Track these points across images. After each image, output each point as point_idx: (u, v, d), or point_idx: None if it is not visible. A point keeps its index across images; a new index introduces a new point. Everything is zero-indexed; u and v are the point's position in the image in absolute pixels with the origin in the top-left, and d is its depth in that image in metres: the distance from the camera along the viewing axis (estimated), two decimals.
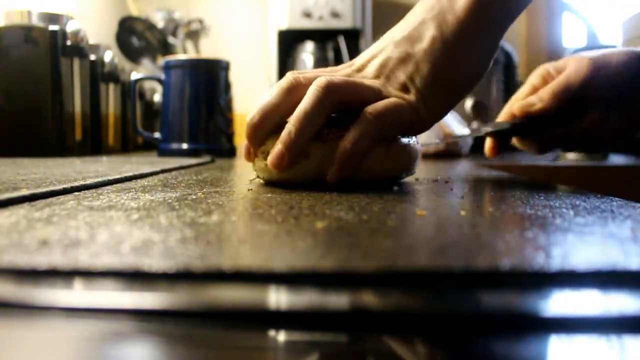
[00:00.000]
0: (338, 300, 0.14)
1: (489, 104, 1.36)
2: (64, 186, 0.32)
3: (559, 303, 0.14)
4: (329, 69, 0.38)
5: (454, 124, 0.95)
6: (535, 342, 0.13)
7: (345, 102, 0.33)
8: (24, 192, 0.29)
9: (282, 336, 0.13)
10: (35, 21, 0.81)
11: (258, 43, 1.74)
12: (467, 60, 0.35)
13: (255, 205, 0.28)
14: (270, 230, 0.20)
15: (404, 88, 0.35)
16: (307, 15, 1.41)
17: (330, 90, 0.32)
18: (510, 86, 1.43)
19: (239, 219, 0.23)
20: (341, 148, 0.33)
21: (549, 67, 0.49)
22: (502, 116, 0.49)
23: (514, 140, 0.50)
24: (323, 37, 1.42)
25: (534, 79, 0.49)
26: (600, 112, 0.45)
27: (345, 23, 1.41)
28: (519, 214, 0.25)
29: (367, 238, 0.19)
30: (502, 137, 0.48)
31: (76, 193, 0.31)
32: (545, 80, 0.49)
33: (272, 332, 0.13)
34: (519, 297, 0.14)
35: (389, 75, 0.35)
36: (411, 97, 0.34)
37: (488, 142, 0.49)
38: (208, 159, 0.71)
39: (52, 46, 0.78)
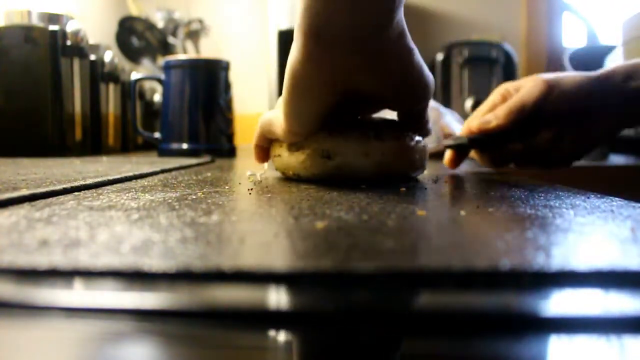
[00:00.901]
0: (338, 300, 0.14)
1: None
2: (64, 186, 0.32)
3: (559, 303, 0.14)
4: None
5: (453, 123, 0.95)
6: (535, 342, 0.13)
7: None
8: (24, 192, 0.29)
9: (282, 336, 0.13)
10: (35, 21, 0.81)
11: (258, 43, 1.74)
12: (293, 79, 0.33)
13: (255, 205, 0.28)
14: (270, 230, 0.20)
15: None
16: None
17: (259, 126, 0.42)
18: None
19: (239, 219, 0.23)
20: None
21: (509, 86, 0.52)
22: (463, 130, 0.52)
23: (472, 154, 0.54)
24: None
25: (494, 96, 0.52)
26: (554, 131, 0.49)
27: None
28: (519, 214, 0.25)
29: (367, 238, 0.19)
30: (460, 150, 0.52)
31: (76, 193, 0.31)
32: (505, 98, 0.52)
33: (272, 332, 0.13)
34: (519, 297, 0.14)
35: None
36: (279, 112, 0.37)
37: (448, 154, 0.54)
38: (208, 159, 0.71)
39: (52, 46, 0.78)
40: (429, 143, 0.90)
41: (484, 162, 0.54)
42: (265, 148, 0.44)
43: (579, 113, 0.48)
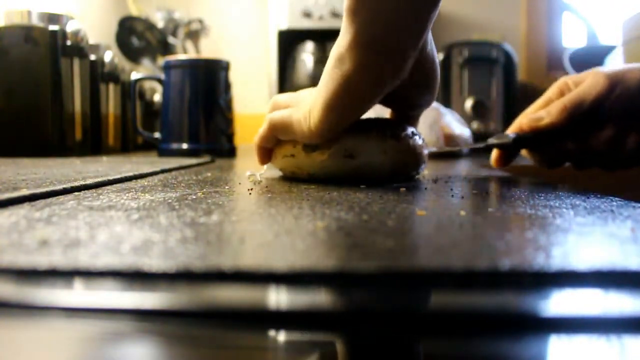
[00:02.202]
0: (338, 300, 0.14)
1: (489, 103, 1.36)
2: (64, 186, 0.32)
3: (559, 303, 0.14)
4: (297, 93, 0.43)
5: (454, 124, 0.95)
6: (535, 342, 0.13)
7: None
8: (24, 192, 0.29)
9: (282, 336, 0.13)
10: (35, 21, 0.81)
11: (258, 43, 1.74)
12: (346, 82, 0.34)
13: (255, 205, 0.28)
14: (270, 230, 0.20)
15: (304, 105, 0.38)
16: (307, 15, 1.41)
17: (269, 126, 0.41)
18: (510, 86, 1.43)
19: (239, 219, 0.23)
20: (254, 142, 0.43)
21: (568, 79, 0.47)
22: (512, 127, 0.48)
23: (524, 153, 0.49)
24: (323, 37, 1.42)
25: (551, 91, 0.48)
26: (616, 131, 0.43)
27: None
28: (519, 214, 0.25)
29: (367, 238, 0.19)
30: (508, 149, 0.47)
31: (76, 193, 0.31)
32: (562, 93, 0.47)
33: (272, 332, 0.13)
34: (519, 297, 0.14)
35: (308, 95, 0.40)
36: (302, 111, 0.38)
37: (494, 153, 0.49)
38: (208, 159, 0.71)
39: (52, 46, 0.78)
40: (429, 143, 0.91)
41: (538, 162, 0.49)
42: (269, 149, 0.43)
43: None
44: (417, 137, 0.41)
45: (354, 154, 0.39)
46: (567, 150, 0.46)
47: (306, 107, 0.37)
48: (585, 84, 0.44)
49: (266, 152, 0.43)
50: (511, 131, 0.47)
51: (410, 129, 0.41)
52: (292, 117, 0.38)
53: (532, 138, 0.45)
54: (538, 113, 0.45)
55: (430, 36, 0.36)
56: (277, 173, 0.46)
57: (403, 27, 0.32)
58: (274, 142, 0.42)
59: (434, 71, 0.37)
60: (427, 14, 0.32)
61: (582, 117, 0.43)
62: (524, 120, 0.46)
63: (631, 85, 0.43)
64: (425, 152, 0.42)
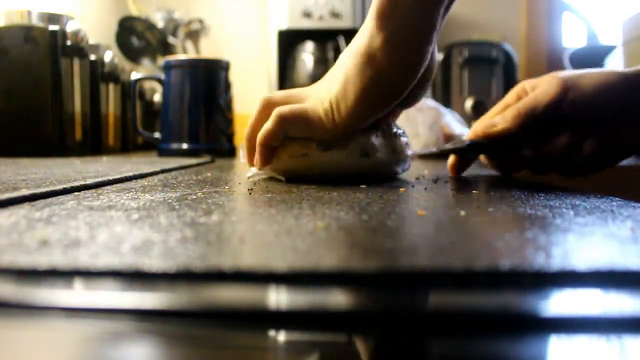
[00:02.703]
0: (338, 300, 0.14)
1: (489, 103, 1.36)
2: (64, 186, 0.32)
3: (559, 303, 0.14)
4: (295, 90, 0.43)
5: (454, 124, 0.95)
6: (535, 342, 0.13)
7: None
8: (24, 192, 0.29)
9: (282, 336, 0.13)
10: (35, 21, 0.81)
11: (258, 43, 1.74)
12: (374, 74, 0.36)
13: (255, 205, 0.28)
14: (270, 230, 0.20)
15: (322, 99, 0.39)
16: (307, 15, 1.41)
17: (280, 120, 0.39)
18: (510, 86, 1.43)
19: (239, 219, 0.23)
20: (256, 140, 0.40)
21: (526, 84, 0.47)
22: (469, 134, 0.48)
23: (482, 158, 0.49)
24: (323, 37, 1.42)
25: (509, 96, 0.47)
26: (571, 136, 0.43)
27: (345, 23, 1.41)
28: (519, 214, 0.25)
29: (367, 238, 0.19)
30: (464, 155, 0.48)
31: (76, 193, 0.31)
32: (519, 98, 0.46)
33: (272, 332, 0.13)
34: (519, 297, 0.14)
35: (321, 89, 0.40)
36: (322, 106, 0.38)
37: (450, 159, 0.49)
38: (208, 159, 0.71)
39: (52, 46, 0.78)
40: (429, 143, 0.90)
41: (495, 168, 0.49)
42: (273, 148, 0.41)
43: (602, 117, 0.42)
44: (402, 135, 0.43)
45: (369, 153, 0.39)
46: (523, 156, 0.46)
47: (325, 102, 0.38)
48: (539, 89, 0.43)
49: (270, 152, 0.41)
50: (468, 137, 0.47)
51: (395, 127, 0.42)
52: (307, 111, 0.38)
53: (488, 144, 0.45)
54: (493, 119, 0.45)
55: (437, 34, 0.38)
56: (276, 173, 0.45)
57: (428, 26, 0.35)
58: (281, 139, 0.40)
59: (435, 65, 0.39)
60: (443, 13, 0.36)
61: (536, 122, 0.43)
62: (479, 126, 0.46)
63: (585, 90, 0.41)
64: (409, 151, 0.44)
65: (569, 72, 0.44)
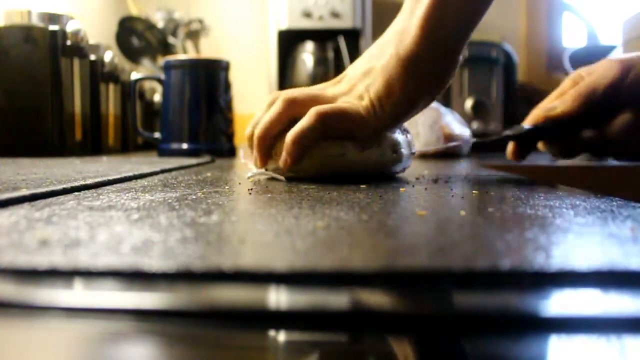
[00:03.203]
0: (338, 300, 0.14)
1: (489, 103, 1.36)
2: (64, 186, 0.32)
3: (559, 303, 0.14)
4: (318, 86, 0.43)
5: (454, 124, 0.95)
6: (535, 342, 0.13)
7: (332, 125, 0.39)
8: (24, 192, 0.29)
9: (282, 336, 0.13)
10: (35, 21, 0.81)
11: (258, 43, 1.74)
12: (420, 76, 0.38)
13: (255, 205, 0.28)
14: (270, 230, 0.20)
15: (360, 97, 0.39)
16: (307, 15, 1.41)
17: (321, 119, 0.38)
18: (510, 86, 1.43)
19: (239, 219, 0.23)
20: (287, 139, 0.39)
21: (582, 71, 0.47)
22: (528, 120, 0.47)
23: (540, 145, 0.48)
24: (323, 37, 1.42)
25: (565, 83, 0.47)
26: (632, 117, 0.42)
27: (345, 23, 1.41)
28: (519, 214, 0.25)
29: (367, 238, 0.19)
30: (524, 141, 0.47)
31: (76, 193, 0.31)
32: (576, 84, 0.46)
33: (272, 332, 0.13)
34: (519, 297, 0.14)
35: (352, 88, 0.41)
36: (362, 103, 0.39)
37: (510, 146, 0.48)
38: (208, 159, 0.71)
39: (52, 46, 0.78)
40: (429, 143, 0.91)
41: (554, 153, 0.48)
42: (306, 147, 0.39)
43: None
44: (408, 131, 0.45)
45: (397, 150, 0.41)
46: (583, 140, 0.45)
47: (365, 100, 0.39)
48: (598, 72, 0.44)
49: (302, 151, 0.39)
50: (526, 123, 0.46)
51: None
52: (347, 109, 0.39)
53: (548, 128, 0.45)
54: (552, 103, 0.45)
55: None
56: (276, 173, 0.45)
57: (463, 39, 0.39)
58: (318, 138, 0.39)
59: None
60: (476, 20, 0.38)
61: (596, 104, 0.43)
62: (538, 111, 0.45)
63: None
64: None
65: (627, 55, 0.44)
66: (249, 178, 0.43)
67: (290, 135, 0.39)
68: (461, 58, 0.40)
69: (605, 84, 0.42)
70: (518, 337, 0.13)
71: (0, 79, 0.78)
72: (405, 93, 0.38)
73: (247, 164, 0.45)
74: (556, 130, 0.45)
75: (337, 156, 0.39)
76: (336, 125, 0.39)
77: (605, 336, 0.13)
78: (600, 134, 0.44)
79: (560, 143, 0.47)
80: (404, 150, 0.42)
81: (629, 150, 0.45)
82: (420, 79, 0.38)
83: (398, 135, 0.42)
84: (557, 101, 0.45)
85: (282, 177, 0.41)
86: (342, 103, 0.39)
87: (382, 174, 0.43)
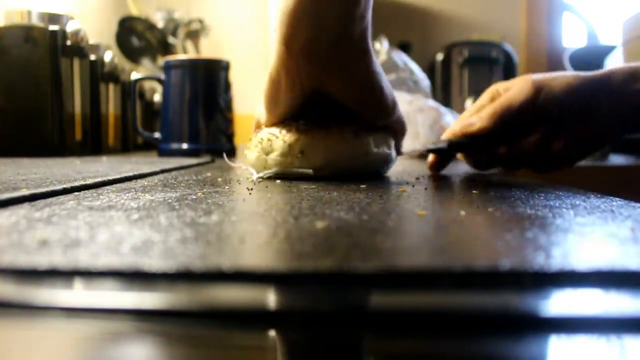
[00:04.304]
0: (338, 300, 0.14)
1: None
2: (64, 186, 0.32)
3: (559, 303, 0.14)
4: None
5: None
6: (535, 342, 0.13)
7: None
8: (24, 192, 0.29)
9: (282, 336, 0.13)
10: (35, 21, 0.81)
11: (258, 43, 1.74)
12: (269, 72, 0.40)
13: (255, 205, 0.28)
14: (270, 230, 0.20)
15: None
16: None
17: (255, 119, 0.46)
18: None
19: (239, 219, 0.23)
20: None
21: (499, 87, 0.50)
22: (446, 133, 0.51)
23: (459, 156, 0.52)
24: None
25: (483, 98, 0.50)
26: (543, 134, 0.46)
27: None
28: (519, 214, 0.25)
29: (367, 238, 0.19)
30: (444, 154, 0.50)
31: (76, 193, 0.31)
32: (494, 99, 0.49)
33: (272, 332, 0.13)
34: (519, 297, 0.14)
35: None
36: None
37: (430, 158, 0.52)
38: (208, 159, 0.71)
39: (52, 46, 0.78)
40: (429, 144, 0.90)
41: (470, 165, 0.52)
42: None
43: (570, 116, 0.46)
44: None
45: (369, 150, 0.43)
46: (498, 153, 0.49)
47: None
48: (512, 90, 0.47)
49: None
50: (446, 137, 0.50)
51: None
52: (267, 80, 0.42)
53: (466, 143, 0.48)
54: (470, 119, 0.48)
55: (373, 56, 0.38)
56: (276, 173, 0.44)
57: (308, 31, 0.35)
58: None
59: (368, 92, 0.39)
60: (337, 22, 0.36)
61: (510, 121, 0.46)
62: (457, 126, 0.49)
63: (555, 91, 0.45)
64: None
65: (539, 75, 0.47)
66: (250, 178, 0.43)
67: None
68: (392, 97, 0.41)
69: (519, 103, 0.45)
70: (518, 337, 0.13)
71: (0, 79, 0.78)
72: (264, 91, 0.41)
73: (241, 167, 0.48)
74: (473, 145, 0.48)
75: (363, 154, 0.41)
76: (262, 117, 0.43)
77: (605, 336, 0.13)
78: (514, 148, 0.48)
79: (477, 156, 0.51)
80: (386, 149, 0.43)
81: (540, 163, 0.49)
82: (269, 71, 0.39)
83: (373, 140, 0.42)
84: (475, 117, 0.48)
85: (309, 171, 0.41)
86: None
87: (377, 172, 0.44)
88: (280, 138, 0.41)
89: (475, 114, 0.49)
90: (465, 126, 0.48)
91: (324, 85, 0.38)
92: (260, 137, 0.42)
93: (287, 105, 0.40)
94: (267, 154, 0.42)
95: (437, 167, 0.51)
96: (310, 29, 0.35)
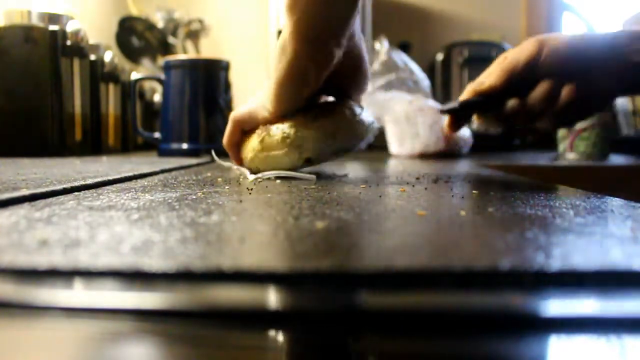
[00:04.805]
0: (338, 300, 0.14)
1: None
2: (64, 186, 0.32)
3: (559, 303, 0.14)
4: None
5: None
6: (535, 342, 0.13)
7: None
8: (24, 192, 0.29)
9: (282, 336, 0.13)
10: (35, 21, 0.81)
11: (258, 43, 1.74)
12: (289, 67, 0.40)
13: (255, 205, 0.28)
14: (270, 230, 0.20)
15: (263, 98, 0.45)
16: None
17: (233, 120, 0.46)
18: None
19: (239, 219, 0.23)
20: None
21: (507, 52, 0.53)
22: (461, 96, 0.53)
23: (475, 118, 0.55)
24: None
25: (492, 66, 0.53)
26: (549, 86, 0.48)
27: None
28: (519, 214, 0.25)
29: (367, 238, 0.19)
30: (459, 114, 0.53)
31: (76, 193, 0.31)
32: (501, 62, 0.53)
33: (272, 332, 0.13)
34: (519, 297, 0.14)
35: (257, 97, 0.47)
36: (260, 102, 0.45)
37: (446, 120, 0.55)
38: (208, 159, 0.71)
39: (52, 46, 0.78)
40: (429, 144, 0.90)
41: (488, 124, 0.55)
42: (238, 146, 0.48)
43: (573, 71, 0.48)
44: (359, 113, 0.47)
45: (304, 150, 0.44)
46: (510, 110, 0.51)
47: (263, 96, 0.44)
48: (518, 49, 0.50)
49: (237, 150, 0.47)
50: (460, 99, 0.53)
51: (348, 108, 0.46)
52: (253, 106, 0.45)
53: (478, 101, 0.51)
54: (479, 78, 0.51)
55: (358, 29, 0.42)
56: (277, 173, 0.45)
57: (327, 21, 0.39)
58: (238, 136, 0.46)
59: (361, 61, 0.44)
60: (347, 13, 0.39)
61: (517, 77, 0.49)
62: (469, 87, 0.52)
63: (557, 46, 0.48)
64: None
65: (543, 35, 0.50)
66: (252, 180, 0.43)
67: (224, 143, 0.47)
68: (364, 50, 0.43)
69: (523, 60, 0.48)
70: (518, 337, 0.13)
71: (0, 79, 0.78)
72: (276, 85, 0.41)
73: (232, 167, 0.50)
74: (486, 103, 0.51)
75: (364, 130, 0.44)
76: (246, 122, 0.45)
77: (605, 336, 0.13)
78: (522, 103, 0.50)
79: (490, 115, 0.54)
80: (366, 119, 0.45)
81: (548, 118, 0.51)
82: (287, 67, 0.40)
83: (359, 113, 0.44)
84: (484, 77, 0.51)
85: (312, 177, 0.43)
86: (250, 104, 0.46)
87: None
88: (307, 129, 0.42)
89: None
90: (475, 85, 0.51)
91: (338, 65, 0.41)
92: (286, 132, 0.43)
93: (304, 98, 0.43)
94: (297, 147, 0.43)
95: (453, 127, 0.54)
96: (335, 18, 0.39)
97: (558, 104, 0.49)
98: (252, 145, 0.44)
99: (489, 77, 0.50)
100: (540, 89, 0.49)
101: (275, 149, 0.43)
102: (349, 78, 0.45)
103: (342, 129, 0.43)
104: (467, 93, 0.52)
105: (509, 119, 0.52)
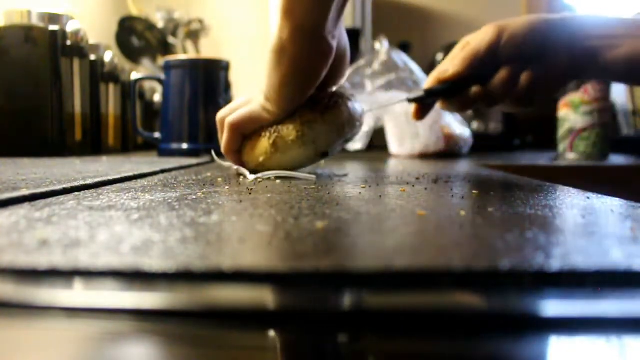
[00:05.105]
0: (338, 300, 0.14)
1: None
2: (64, 186, 0.32)
3: (559, 303, 0.14)
4: (233, 102, 0.50)
5: (454, 124, 0.95)
6: (535, 342, 0.13)
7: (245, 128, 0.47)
8: (24, 192, 0.29)
9: (282, 336, 0.13)
10: (35, 21, 0.81)
11: (258, 43, 1.74)
12: (285, 64, 0.41)
13: (255, 205, 0.28)
14: (270, 230, 0.20)
15: (261, 99, 0.45)
16: None
17: (233, 127, 0.46)
18: None
19: (239, 219, 0.23)
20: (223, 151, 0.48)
21: (468, 38, 0.54)
22: (425, 84, 0.55)
23: (440, 104, 0.56)
24: None
25: (454, 51, 0.54)
26: (509, 72, 0.50)
27: (346, 23, 1.40)
28: (519, 214, 0.25)
29: (366, 238, 0.19)
30: (424, 102, 0.55)
31: (76, 193, 0.31)
32: (464, 49, 0.54)
33: (272, 332, 0.13)
34: (519, 297, 0.14)
35: (250, 99, 0.48)
36: (262, 101, 0.45)
37: (413, 108, 0.56)
38: (208, 159, 0.71)
39: (52, 46, 0.78)
40: (429, 144, 0.90)
41: (452, 109, 0.56)
42: (238, 152, 0.48)
43: (531, 55, 0.49)
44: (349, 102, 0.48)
45: (316, 141, 0.45)
46: (473, 95, 0.53)
47: (261, 97, 0.44)
48: (478, 36, 0.51)
49: (237, 156, 0.48)
50: (425, 87, 0.55)
51: (338, 97, 0.47)
52: (251, 110, 0.45)
53: (442, 89, 0.53)
54: (443, 66, 0.53)
55: (342, 22, 0.44)
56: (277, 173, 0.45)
57: (325, 19, 0.40)
58: (240, 142, 0.46)
59: (346, 49, 0.46)
60: (340, 5, 0.41)
61: (479, 63, 0.50)
62: (433, 75, 0.54)
63: (515, 32, 0.50)
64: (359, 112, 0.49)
65: (501, 21, 0.52)
66: (252, 181, 0.43)
67: (222, 149, 0.47)
68: (346, 42, 0.45)
69: (484, 46, 0.50)
70: (518, 337, 0.13)
71: (0, 79, 0.78)
72: (280, 83, 0.42)
73: (232, 167, 0.50)
74: (450, 90, 0.53)
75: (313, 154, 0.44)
76: (247, 126, 0.46)
77: (605, 336, 0.13)
78: (485, 88, 0.52)
79: (454, 100, 0.55)
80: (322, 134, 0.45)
81: (510, 101, 0.53)
82: (290, 66, 0.41)
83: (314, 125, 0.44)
84: (448, 64, 0.52)
85: (312, 177, 0.43)
86: (246, 107, 0.46)
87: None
88: (318, 124, 0.43)
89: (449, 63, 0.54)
90: (440, 73, 0.52)
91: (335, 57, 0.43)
92: (300, 130, 0.43)
93: (307, 95, 0.44)
94: (313, 143, 0.43)
95: (419, 115, 0.57)
96: (330, 11, 0.40)
97: (518, 87, 0.50)
98: (262, 149, 0.44)
99: (452, 64, 0.52)
100: (501, 75, 0.50)
101: (291, 148, 0.43)
102: (336, 67, 0.46)
103: (347, 120, 0.44)
104: (431, 81, 0.53)
105: (472, 103, 0.54)
